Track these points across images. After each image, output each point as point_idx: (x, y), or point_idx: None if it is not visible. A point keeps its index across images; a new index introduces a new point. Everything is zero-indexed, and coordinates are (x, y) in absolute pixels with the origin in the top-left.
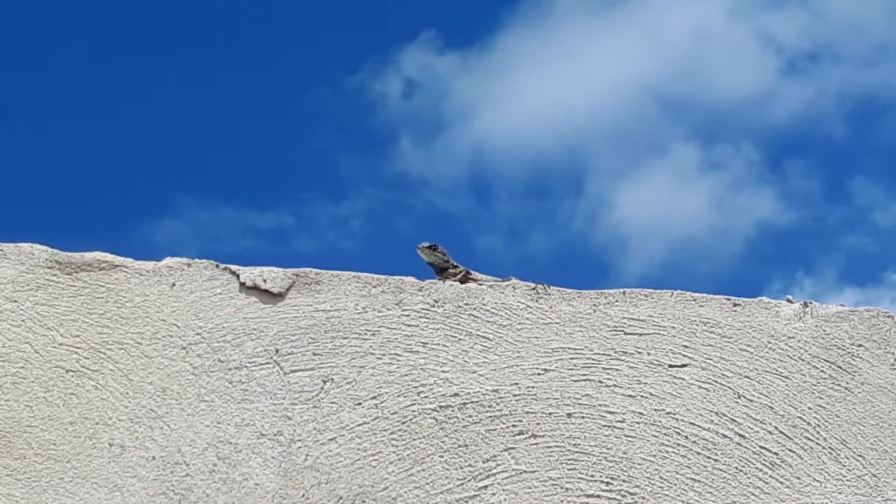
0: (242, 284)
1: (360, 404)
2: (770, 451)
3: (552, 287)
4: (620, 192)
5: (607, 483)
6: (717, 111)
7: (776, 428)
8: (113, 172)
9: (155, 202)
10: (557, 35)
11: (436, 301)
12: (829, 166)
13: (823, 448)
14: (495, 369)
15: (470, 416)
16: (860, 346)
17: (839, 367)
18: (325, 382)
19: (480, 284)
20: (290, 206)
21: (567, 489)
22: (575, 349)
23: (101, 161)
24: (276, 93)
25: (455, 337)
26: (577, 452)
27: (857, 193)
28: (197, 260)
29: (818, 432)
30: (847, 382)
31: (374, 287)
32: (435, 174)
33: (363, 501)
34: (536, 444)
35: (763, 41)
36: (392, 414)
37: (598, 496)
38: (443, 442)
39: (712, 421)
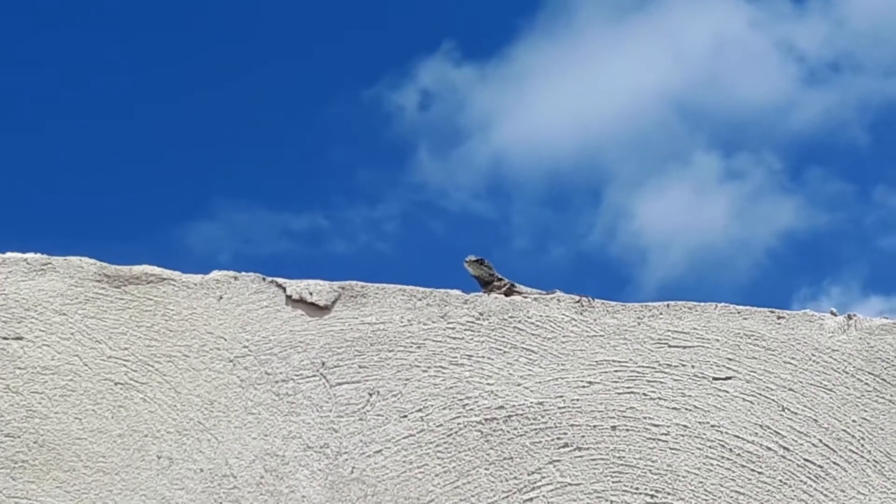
0: (289, 297)
1: (405, 417)
2: (814, 463)
3: (596, 300)
4: (640, 201)
5: (652, 496)
6: (738, 120)
7: (820, 441)
8: (149, 176)
9: (190, 205)
10: (577, 44)
11: (481, 314)
12: (852, 174)
13: (868, 461)
14: (540, 382)
15: (515, 429)
16: None
17: (883, 379)
18: (370, 395)
19: (525, 297)
20: (323, 208)
21: (612, 502)
22: (619, 362)
23: (137, 165)
24: (296, 104)
25: (500, 350)
26: (621, 465)
27: (881, 201)
28: (244, 273)
29: (862, 445)
30: (892, 395)
31: (420, 300)
32: (453, 185)
33: None
34: (581, 456)
35: (784, 50)
36: (437, 426)
37: None
38: (488, 454)
39: (756, 434)
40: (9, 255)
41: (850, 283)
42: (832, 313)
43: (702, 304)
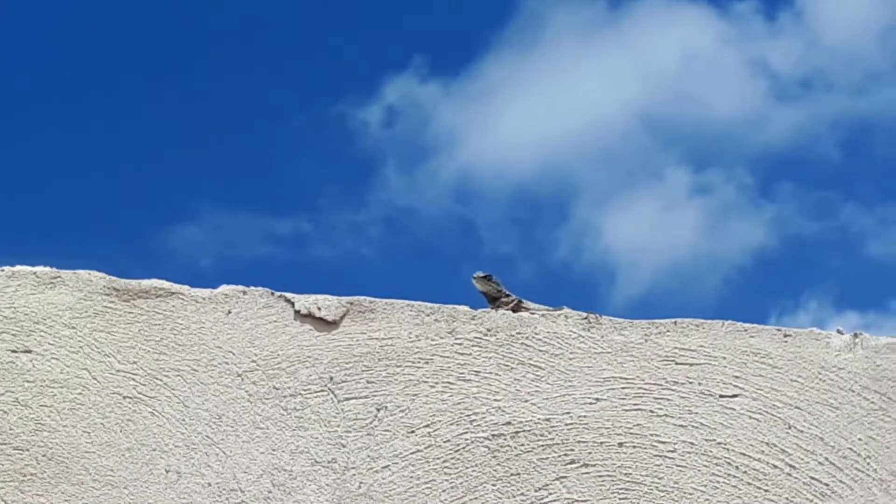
0: (297, 312)
1: (413, 432)
2: (820, 482)
3: (604, 316)
4: (609, 217)
5: None
6: (708, 136)
7: (826, 459)
8: (131, 179)
9: (173, 208)
10: (546, 59)
11: (488, 330)
12: (823, 191)
13: (874, 479)
14: (547, 398)
15: (522, 445)
16: None
17: (890, 398)
18: (378, 410)
19: (532, 313)
20: (308, 212)
21: None
22: (626, 379)
23: (119, 168)
24: (266, 117)
25: (507, 366)
26: (628, 482)
27: (852, 218)
28: (252, 287)
29: (868, 464)
30: None
31: (428, 315)
32: (419, 202)
33: None
34: (588, 473)
35: (755, 66)
36: (445, 442)
37: None
38: (495, 470)
39: (763, 451)
40: (18, 268)
41: (823, 299)
42: (839, 332)
43: (709, 321)
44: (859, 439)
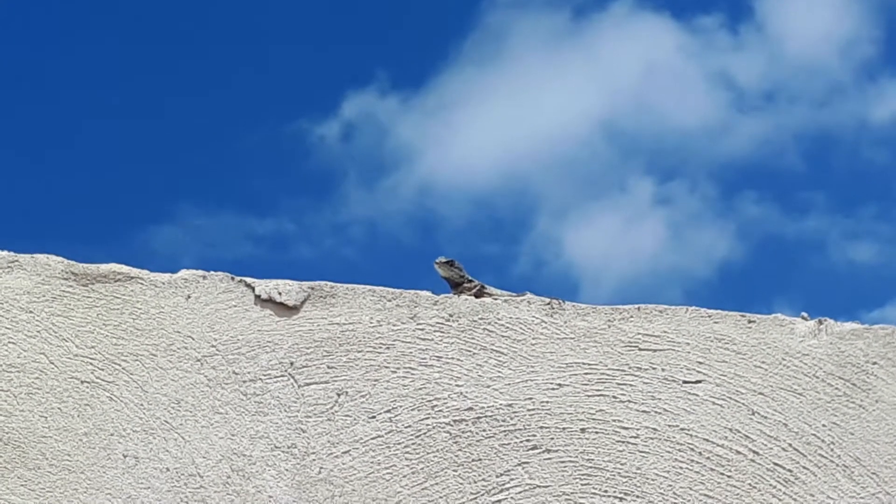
0: (257, 297)
1: (374, 417)
2: (784, 468)
3: (567, 302)
4: (571, 230)
5: (621, 499)
6: (672, 147)
7: (790, 445)
8: (111, 178)
9: (154, 208)
10: (507, 71)
11: (451, 315)
12: (786, 202)
13: (837, 465)
14: (509, 384)
15: (484, 431)
16: (875, 363)
17: (854, 384)
18: (339, 395)
19: (495, 299)
20: (290, 212)
21: None
22: (589, 364)
23: (100, 167)
24: (240, 127)
25: (469, 351)
26: (590, 468)
27: (815, 227)
28: (212, 272)
29: (832, 450)
30: (861, 400)
31: (389, 301)
32: (380, 216)
33: None
34: (550, 458)
35: (718, 79)
36: (406, 427)
37: None
38: (456, 456)
39: (726, 437)
40: None
41: (787, 310)
42: (803, 318)
43: (672, 307)
44: (823, 425)
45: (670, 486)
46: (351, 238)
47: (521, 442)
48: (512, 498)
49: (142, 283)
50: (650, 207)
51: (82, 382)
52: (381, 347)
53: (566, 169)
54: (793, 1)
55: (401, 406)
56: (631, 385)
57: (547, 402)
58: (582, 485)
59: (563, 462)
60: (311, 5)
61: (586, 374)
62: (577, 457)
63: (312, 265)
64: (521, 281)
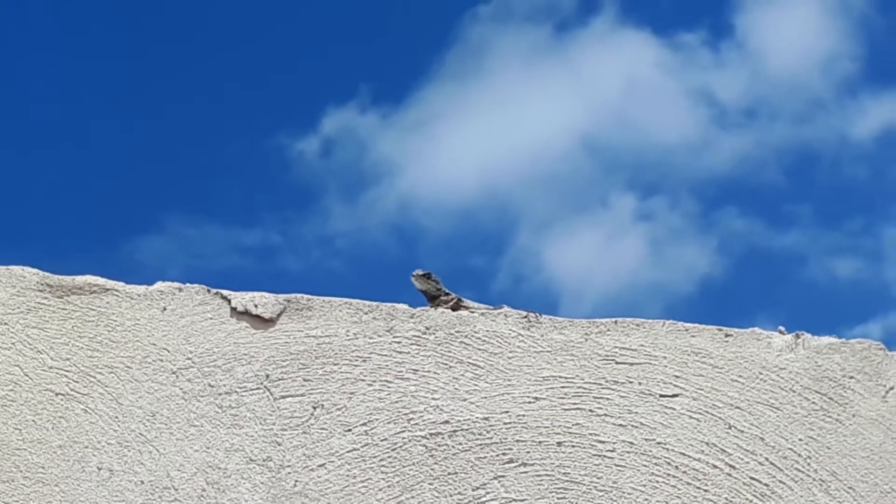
0: (234, 309)
1: (350, 431)
2: (760, 482)
3: (544, 315)
4: (551, 245)
5: None
6: (652, 163)
7: (767, 459)
8: (97, 190)
9: (139, 219)
10: (488, 86)
11: (427, 328)
12: (768, 217)
13: (814, 480)
14: (486, 397)
15: (460, 444)
16: (851, 377)
17: (830, 398)
18: (315, 408)
19: (472, 312)
20: (277, 224)
21: None
22: (566, 378)
23: (85, 179)
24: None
25: (446, 364)
26: (566, 481)
27: (797, 242)
28: (188, 284)
29: (809, 464)
30: (838, 414)
31: (366, 314)
32: (360, 231)
33: None
34: (526, 472)
35: (699, 95)
36: (382, 441)
37: None
38: (432, 469)
39: (703, 451)
40: None
41: (768, 325)
42: (780, 332)
43: (649, 321)
44: (800, 439)
45: (647, 500)
46: (337, 250)
47: (498, 455)
48: None
49: (117, 295)
50: (631, 223)
51: (57, 395)
52: (357, 360)
53: (547, 184)
54: (773, 18)
55: (377, 419)
56: (608, 399)
57: (523, 415)
58: (558, 498)
59: (539, 476)
60: (292, 21)
61: (563, 387)
62: (553, 470)
63: (299, 277)
64: (500, 296)
